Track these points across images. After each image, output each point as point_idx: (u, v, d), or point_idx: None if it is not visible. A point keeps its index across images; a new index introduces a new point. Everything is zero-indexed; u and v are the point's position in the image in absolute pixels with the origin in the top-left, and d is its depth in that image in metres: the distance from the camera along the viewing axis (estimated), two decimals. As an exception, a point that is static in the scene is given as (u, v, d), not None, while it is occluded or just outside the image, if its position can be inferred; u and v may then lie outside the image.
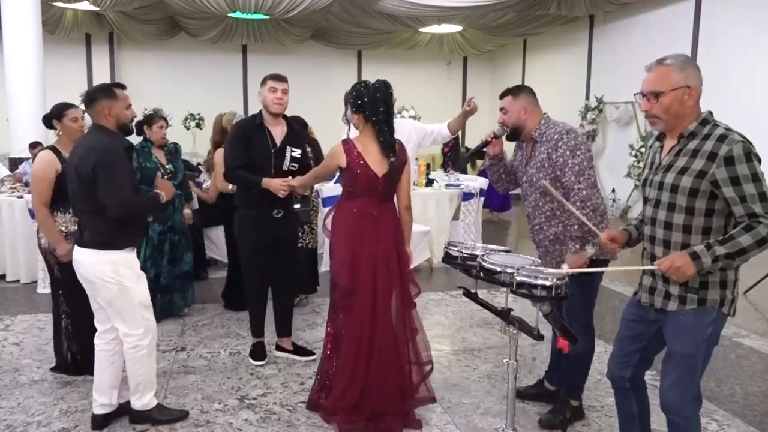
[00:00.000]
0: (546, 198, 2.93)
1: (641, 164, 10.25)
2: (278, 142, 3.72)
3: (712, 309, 2.14)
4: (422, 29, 13.57)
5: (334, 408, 3.06)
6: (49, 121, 3.60)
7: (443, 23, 12.88)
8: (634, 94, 2.26)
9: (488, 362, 4.03)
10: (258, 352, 3.98)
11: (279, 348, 4.06)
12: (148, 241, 4.57)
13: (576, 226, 2.79)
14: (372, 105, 2.99)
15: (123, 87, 3.18)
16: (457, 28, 13.58)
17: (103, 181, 2.76)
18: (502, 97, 3.10)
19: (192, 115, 13.81)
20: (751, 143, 2.05)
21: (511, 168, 3.25)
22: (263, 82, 3.77)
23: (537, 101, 3.08)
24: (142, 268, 4.51)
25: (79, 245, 2.93)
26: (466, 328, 4.67)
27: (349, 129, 3.44)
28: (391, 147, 3.01)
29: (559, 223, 2.90)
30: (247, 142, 3.68)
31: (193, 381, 3.67)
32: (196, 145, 13.39)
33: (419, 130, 4.39)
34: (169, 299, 4.75)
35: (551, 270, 2.36)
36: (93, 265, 2.86)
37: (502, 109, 3.09)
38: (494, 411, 3.32)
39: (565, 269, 2.39)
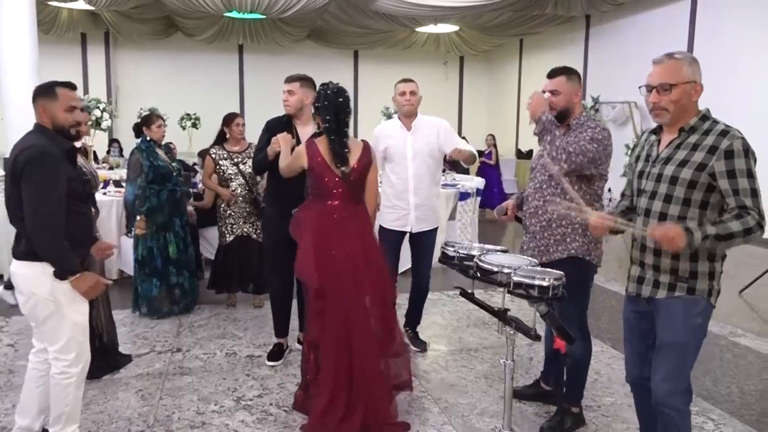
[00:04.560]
0: (552, 183, 2.86)
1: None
2: (303, 140, 3.71)
3: (701, 298, 2.18)
4: (419, 29, 13.58)
5: (320, 426, 2.90)
6: None
7: (440, 23, 12.89)
8: (639, 87, 2.27)
9: (485, 362, 4.03)
10: (276, 352, 3.96)
11: (301, 342, 4.06)
12: (177, 236, 4.77)
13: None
14: (324, 111, 2.94)
15: (73, 87, 2.77)
16: (454, 27, 13.60)
17: (27, 190, 2.44)
18: (552, 76, 2.88)
19: (188, 114, 13.80)
20: (747, 141, 2.12)
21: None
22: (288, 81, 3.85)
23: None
24: (179, 261, 4.78)
25: (15, 257, 2.59)
26: (462, 328, 4.66)
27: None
28: (340, 157, 2.92)
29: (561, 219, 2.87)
30: (269, 138, 3.66)
31: (189, 382, 3.65)
32: (192, 145, 13.36)
33: (446, 135, 3.96)
34: (180, 293, 4.87)
35: (551, 270, 2.36)
36: (30, 278, 2.54)
37: (552, 91, 2.86)
38: (491, 411, 3.32)
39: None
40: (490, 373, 3.86)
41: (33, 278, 2.54)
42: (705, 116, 2.19)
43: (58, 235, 2.46)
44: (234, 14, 11.41)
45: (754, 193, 2.05)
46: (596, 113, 11.56)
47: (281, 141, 3.36)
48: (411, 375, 3.21)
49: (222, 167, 4.97)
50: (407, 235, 4.00)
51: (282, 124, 3.75)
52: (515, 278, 2.16)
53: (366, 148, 3.05)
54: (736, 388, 3.69)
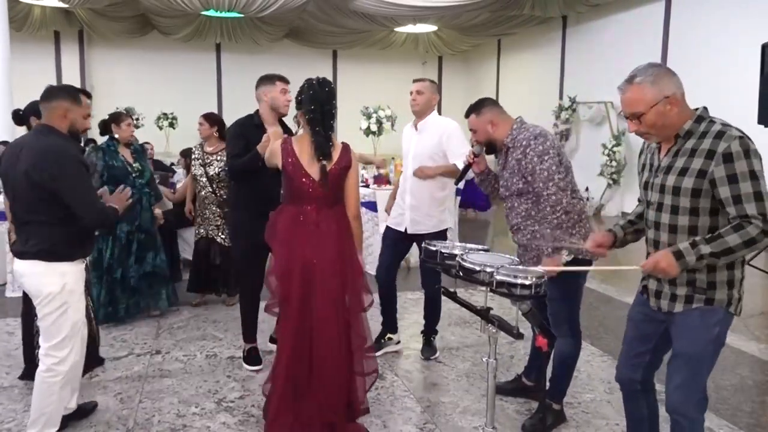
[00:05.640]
0: (522, 199, 2.95)
1: (613, 163, 10.41)
2: None
3: (719, 308, 2.10)
4: (397, 29, 13.60)
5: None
6: (22, 118, 3.48)
7: (418, 23, 12.93)
8: (618, 113, 2.26)
9: (466, 361, 4.05)
10: (253, 356, 3.90)
11: (272, 340, 4.07)
12: (115, 240, 4.51)
13: (548, 230, 2.81)
14: (308, 103, 2.79)
15: (89, 95, 3.00)
16: (432, 27, 13.65)
17: (76, 192, 2.58)
18: (467, 116, 3.10)
19: (165, 114, 13.65)
20: (749, 138, 1.99)
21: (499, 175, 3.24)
22: (270, 82, 3.72)
23: (502, 110, 3.09)
24: (108, 267, 4.58)
25: (20, 257, 2.67)
26: (443, 327, 4.67)
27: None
28: (322, 151, 2.77)
29: (535, 222, 2.92)
30: (246, 142, 3.62)
31: (169, 385, 3.61)
32: (169, 145, 13.22)
33: (451, 139, 3.83)
34: (135, 301, 4.68)
35: (532, 268, 2.37)
36: (39, 277, 2.64)
37: (471, 129, 3.11)
38: (473, 409, 3.34)
39: (543, 269, 2.39)
40: (472, 371, 3.88)
41: (44, 276, 2.63)
42: (701, 117, 2.08)
43: (107, 214, 2.76)
44: (211, 13, 11.31)
45: (759, 197, 1.92)
46: (573, 113, 11.70)
47: (272, 137, 3.26)
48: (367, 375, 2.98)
49: (194, 167, 4.99)
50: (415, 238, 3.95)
51: (253, 126, 3.68)
52: (498, 277, 2.17)
53: (345, 149, 2.90)
54: (712, 383, 3.74)
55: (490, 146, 3.08)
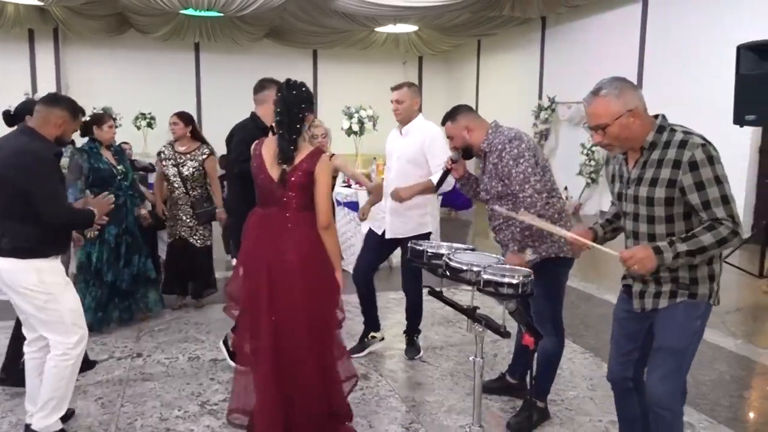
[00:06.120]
0: (501, 201, 2.98)
1: (592, 162, 10.54)
2: None
3: (701, 302, 2.19)
4: (378, 29, 13.59)
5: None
6: (14, 118, 3.38)
7: (399, 23, 12.93)
8: (582, 125, 2.29)
9: (450, 360, 4.06)
10: None
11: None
12: (104, 244, 4.43)
13: (518, 230, 2.86)
14: (276, 105, 2.70)
15: (84, 114, 3.21)
16: (413, 28, 13.66)
17: (44, 192, 2.63)
18: (443, 123, 3.16)
19: (143, 114, 13.49)
20: (711, 144, 2.09)
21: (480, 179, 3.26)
22: (277, 87, 3.68)
23: (477, 115, 3.14)
24: (98, 271, 4.50)
25: None
26: (427, 327, 4.68)
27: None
28: (283, 154, 2.63)
29: (514, 223, 2.94)
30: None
31: (152, 388, 3.57)
32: (147, 145, 13.05)
33: (433, 146, 3.80)
34: (128, 305, 4.63)
35: (519, 267, 2.40)
36: (15, 273, 2.69)
37: (448, 136, 3.16)
38: (458, 408, 3.35)
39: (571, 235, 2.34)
40: (456, 370, 3.89)
41: (19, 272, 2.68)
42: (661, 127, 2.15)
43: (75, 215, 2.84)
44: (190, 12, 11.18)
45: (726, 200, 2.03)
46: (553, 113, 11.80)
47: None
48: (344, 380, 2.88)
49: (165, 167, 4.91)
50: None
51: (259, 130, 3.53)
52: (485, 276, 2.18)
53: (312, 155, 2.67)
54: (691, 378, 3.77)
55: (467, 152, 3.13)
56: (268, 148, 2.74)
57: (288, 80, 2.72)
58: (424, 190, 3.72)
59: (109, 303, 4.51)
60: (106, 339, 4.35)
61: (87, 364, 3.76)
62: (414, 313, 4.11)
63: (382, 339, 4.22)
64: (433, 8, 11.02)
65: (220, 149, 4.42)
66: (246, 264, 2.76)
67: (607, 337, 4.43)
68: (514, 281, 2.15)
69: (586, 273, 6.24)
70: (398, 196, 3.67)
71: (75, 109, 2.91)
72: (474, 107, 3.37)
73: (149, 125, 13.48)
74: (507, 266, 2.37)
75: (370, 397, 3.48)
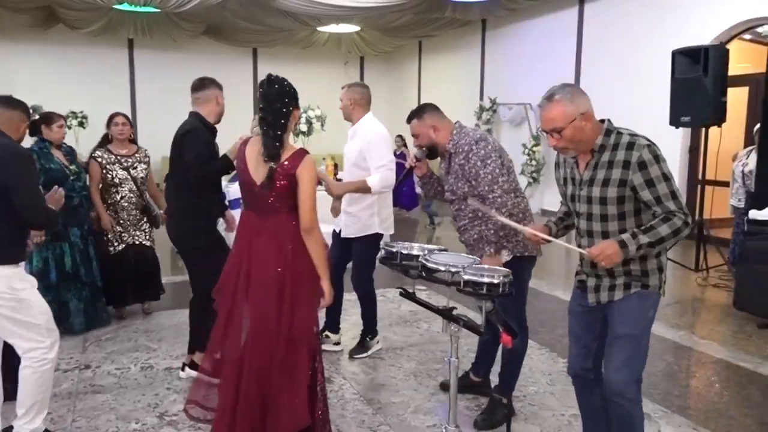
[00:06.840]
0: (468, 201, 3.01)
1: (533, 162, 10.83)
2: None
3: (653, 292, 2.32)
4: (320, 28, 13.49)
5: None
6: None
7: (342, 23, 12.87)
8: (538, 129, 2.36)
9: (412, 360, 4.07)
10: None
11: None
12: (73, 247, 4.36)
13: (492, 231, 2.90)
14: (259, 101, 2.62)
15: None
16: (355, 28, 13.64)
17: (29, 192, 2.65)
18: (408, 121, 3.16)
19: (74, 113, 12.85)
20: (655, 145, 2.23)
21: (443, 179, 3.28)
22: (220, 87, 3.67)
23: (443, 115, 3.15)
24: (75, 274, 4.38)
25: None
26: (385, 327, 4.67)
27: None
28: (269, 152, 2.52)
29: (481, 223, 2.99)
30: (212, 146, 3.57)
31: (104, 401, 3.39)
32: (79, 146, 12.43)
33: (370, 149, 3.78)
34: (102, 305, 4.64)
35: (497, 267, 2.43)
36: None
37: (413, 134, 3.16)
38: (425, 408, 3.36)
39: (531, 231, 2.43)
40: (418, 370, 3.90)
41: None
42: (608, 130, 2.28)
43: (50, 216, 2.83)
44: (125, 7, 10.75)
45: (674, 195, 2.18)
46: (494, 114, 12.06)
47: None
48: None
49: (110, 172, 4.61)
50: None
51: (209, 129, 3.57)
52: (465, 276, 2.19)
53: (296, 155, 2.57)
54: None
55: (432, 151, 3.13)
56: (251, 148, 2.65)
57: (269, 75, 2.63)
58: (357, 189, 3.72)
59: (97, 301, 4.56)
60: (48, 351, 4.11)
61: None
62: (366, 311, 4.11)
63: (338, 344, 4.18)
64: (375, 9, 11.04)
65: (157, 150, 4.28)
66: (228, 265, 2.69)
67: (560, 333, 4.55)
68: (495, 281, 2.17)
69: (535, 270, 6.37)
70: (329, 191, 3.68)
71: (27, 110, 2.94)
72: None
73: (81, 125, 12.87)
74: (486, 266, 2.38)
75: (335, 400, 3.43)
